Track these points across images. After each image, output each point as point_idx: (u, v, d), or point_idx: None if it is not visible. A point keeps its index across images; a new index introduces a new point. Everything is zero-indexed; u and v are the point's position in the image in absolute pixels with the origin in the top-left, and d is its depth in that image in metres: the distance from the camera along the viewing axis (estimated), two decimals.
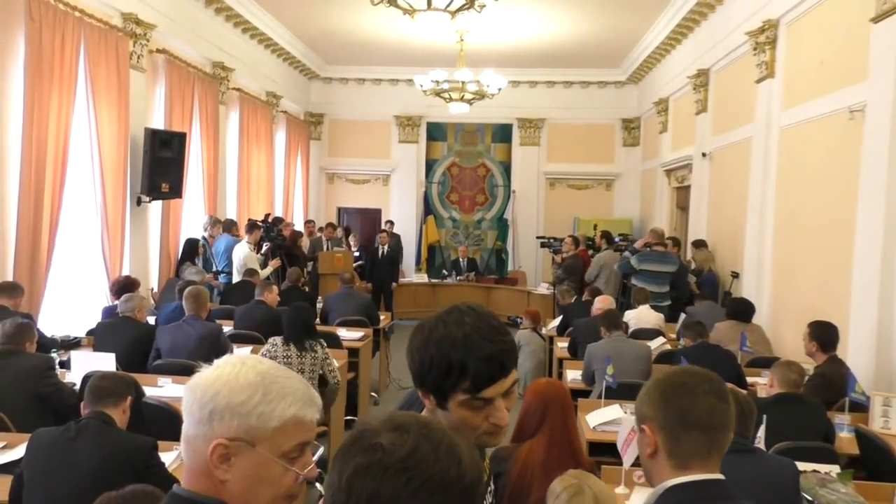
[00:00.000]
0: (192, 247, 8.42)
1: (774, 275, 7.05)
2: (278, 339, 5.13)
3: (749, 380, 5.20)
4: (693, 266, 8.70)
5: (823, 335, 4.70)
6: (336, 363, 5.54)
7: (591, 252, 10.18)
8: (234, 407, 1.22)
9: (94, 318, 6.45)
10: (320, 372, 5.18)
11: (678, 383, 1.61)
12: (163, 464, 2.88)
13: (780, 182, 7.00)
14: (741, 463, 2.59)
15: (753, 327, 6.10)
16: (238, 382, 1.24)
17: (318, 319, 7.46)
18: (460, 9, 6.64)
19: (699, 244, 8.78)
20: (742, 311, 6.13)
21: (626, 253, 8.43)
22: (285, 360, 5.02)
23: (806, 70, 6.53)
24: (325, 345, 5.26)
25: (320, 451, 2.36)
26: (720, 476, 1.56)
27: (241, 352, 5.48)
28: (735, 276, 7.93)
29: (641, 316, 6.97)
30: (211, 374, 1.27)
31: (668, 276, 7.98)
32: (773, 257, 7.08)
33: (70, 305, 6.72)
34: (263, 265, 8.79)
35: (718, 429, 1.58)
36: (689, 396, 1.58)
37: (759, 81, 7.38)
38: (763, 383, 4.86)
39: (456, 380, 1.37)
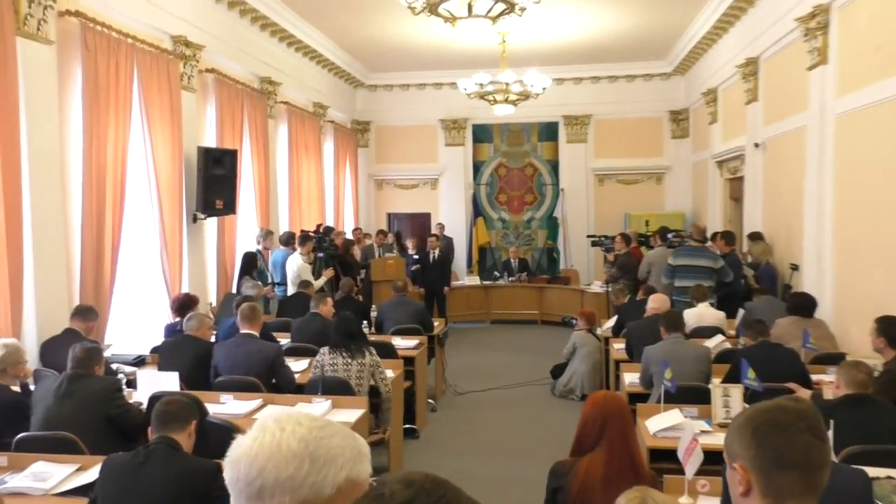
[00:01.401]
0: (250, 260, 8.53)
1: (836, 266, 6.86)
2: (325, 349, 5.21)
3: (814, 377, 5.06)
4: (749, 259, 8.52)
5: (892, 330, 4.56)
6: (390, 372, 5.59)
7: (644, 249, 10.05)
8: (284, 482, 1.17)
9: (157, 335, 6.64)
10: (371, 382, 5.22)
11: (771, 421, 1.52)
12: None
13: (838, 170, 6.81)
14: None
15: (816, 322, 5.94)
16: (282, 454, 1.18)
17: (372, 328, 7.54)
18: (501, 14, 6.63)
19: (755, 237, 8.60)
20: (803, 305, 5.96)
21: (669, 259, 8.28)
22: (332, 367, 5.09)
23: (860, 55, 6.33)
24: (374, 352, 5.30)
25: None
26: None
27: (298, 365, 5.58)
28: (794, 268, 7.74)
29: (702, 314, 6.85)
30: (251, 446, 1.20)
31: (707, 271, 7.79)
32: (834, 248, 6.89)
33: (134, 324, 6.92)
34: (317, 276, 8.90)
35: (816, 468, 1.50)
36: (783, 435, 1.50)
37: (811, 68, 7.19)
38: (829, 381, 4.73)
39: None
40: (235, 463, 1.21)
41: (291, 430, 1.21)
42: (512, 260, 13.20)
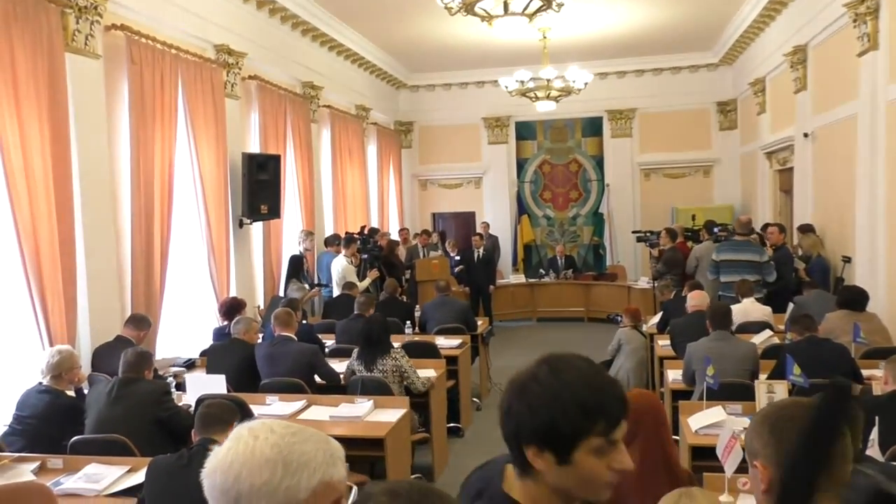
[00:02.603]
0: (297, 263, 8.68)
1: (890, 258, 6.66)
2: (356, 352, 5.33)
3: (866, 373, 4.92)
4: (800, 252, 8.32)
5: None
6: (432, 372, 5.64)
7: (690, 244, 9.90)
8: (259, 488, 1.19)
9: (206, 338, 6.80)
10: (403, 383, 5.28)
11: (788, 416, 1.54)
12: None
13: (891, 159, 6.62)
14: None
15: (869, 316, 5.77)
16: (255, 461, 1.21)
17: (416, 328, 7.60)
18: (538, 11, 6.61)
19: (806, 229, 8.39)
20: (853, 299, 5.79)
21: (713, 255, 8.11)
22: (358, 373, 5.18)
23: None
24: (398, 356, 5.31)
25: (353, 492, 2.38)
26: None
27: (343, 366, 5.65)
28: (847, 260, 7.54)
29: (747, 310, 6.72)
30: (226, 456, 1.23)
31: (752, 266, 7.62)
32: (888, 239, 6.69)
33: (184, 328, 7.09)
34: (362, 277, 8.99)
35: (836, 461, 1.50)
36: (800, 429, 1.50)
37: (861, 55, 7.00)
38: (881, 375, 4.61)
39: (592, 423, 1.35)
40: (212, 473, 1.24)
41: (265, 438, 1.24)
42: (558, 258, 13.12)
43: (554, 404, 1.35)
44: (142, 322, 5.55)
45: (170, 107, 6.64)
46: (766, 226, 8.89)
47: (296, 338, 5.50)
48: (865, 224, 7.02)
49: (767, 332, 6.17)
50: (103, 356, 5.28)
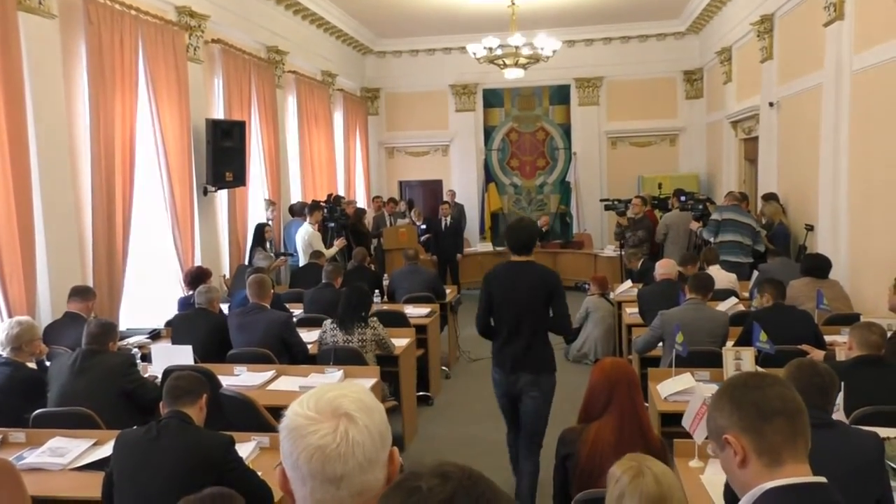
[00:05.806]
0: (261, 231, 8.58)
1: (851, 226, 6.78)
2: (328, 323, 5.29)
3: (828, 338, 5.03)
4: (763, 220, 8.45)
5: None
6: (404, 340, 5.62)
7: (658, 212, 9.97)
8: (366, 467, 1.22)
9: (170, 308, 6.69)
10: (377, 352, 5.27)
11: (742, 384, 1.63)
12: (240, 458, 2.97)
13: (854, 129, 6.69)
14: (821, 438, 2.48)
15: (831, 283, 5.88)
16: (366, 440, 1.23)
17: (385, 297, 7.56)
18: None
19: (768, 197, 8.50)
20: (817, 266, 5.90)
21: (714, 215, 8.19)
22: (332, 340, 5.15)
23: (878, 10, 6.18)
24: (376, 325, 5.32)
25: None
26: (822, 479, 1.52)
27: (311, 336, 5.60)
28: (810, 228, 7.66)
29: (713, 276, 6.78)
30: (342, 439, 1.21)
31: (750, 230, 7.78)
32: (850, 208, 6.80)
33: (148, 297, 6.96)
34: (328, 245, 8.91)
35: (796, 412, 1.57)
36: (757, 391, 1.59)
37: (827, 25, 7.04)
38: (843, 342, 4.70)
39: None
40: (317, 453, 1.20)
41: (368, 415, 1.25)
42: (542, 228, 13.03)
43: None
44: (87, 293, 5.36)
45: (130, 70, 6.43)
46: (728, 194, 8.98)
47: (268, 306, 5.41)
48: (828, 192, 7.12)
49: (733, 300, 6.25)
50: (54, 333, 5.07)
